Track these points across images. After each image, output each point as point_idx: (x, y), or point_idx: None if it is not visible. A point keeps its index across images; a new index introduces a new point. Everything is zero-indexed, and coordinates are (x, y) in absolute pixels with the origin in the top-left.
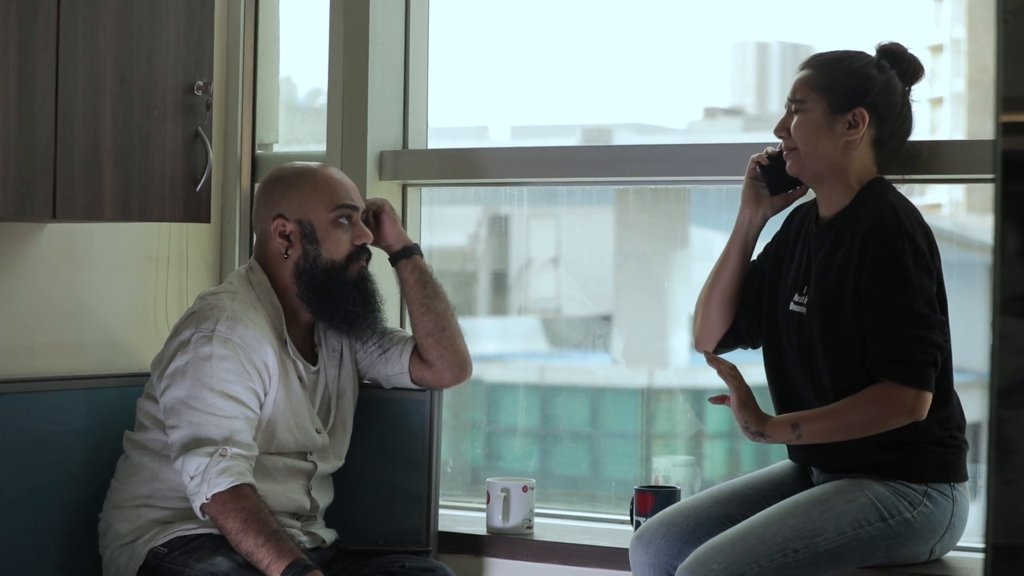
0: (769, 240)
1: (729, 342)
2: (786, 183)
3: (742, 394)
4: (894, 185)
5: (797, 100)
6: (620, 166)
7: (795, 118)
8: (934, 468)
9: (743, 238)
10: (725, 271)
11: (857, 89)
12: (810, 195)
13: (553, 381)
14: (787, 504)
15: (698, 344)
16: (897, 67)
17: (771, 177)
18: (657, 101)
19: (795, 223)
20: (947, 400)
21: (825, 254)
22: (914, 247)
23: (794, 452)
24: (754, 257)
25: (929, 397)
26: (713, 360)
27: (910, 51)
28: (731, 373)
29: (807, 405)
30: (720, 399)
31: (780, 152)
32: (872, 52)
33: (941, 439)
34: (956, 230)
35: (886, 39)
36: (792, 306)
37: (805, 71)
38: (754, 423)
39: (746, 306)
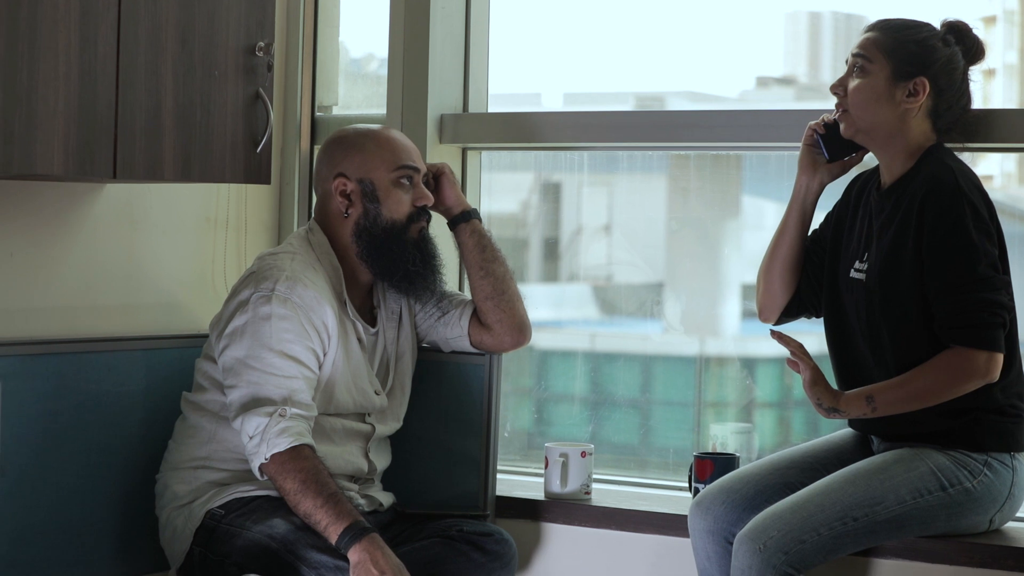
0: (830, 209)
1: (792, 311)
2: (843, 150)
3: (813, 372)
4: (954, 152)
5: (861, 57)
6: (678, 131)
7: (855, 81)
8: (995, 437)
9: (801, 205)
10: (785, 239)
11: (922, 58)
12: (869, 162)
13: (605, 348)
14: (847, 472)
15: (761, 313)
16: (961, 44)
17: (828, 144)
18: (710, 69)
19: (855, 190)
20: (1011, 366)
21: (884, 220)
22: (973, 210)
23: (854, 420)
24: (816, 226)
25: (1000, 359)
26: (782, 339)
27: (975, 31)
28: (800, 352)
29: (867, 371)
30: (795, 365)
31: (837, 113)
32: (937, 26)
33: (1002, 407)
34: (1008, 201)
35: (951, 16)
36: (853, 273)
37: (872, 33)
38: (827, 399)
39: (808, 274)
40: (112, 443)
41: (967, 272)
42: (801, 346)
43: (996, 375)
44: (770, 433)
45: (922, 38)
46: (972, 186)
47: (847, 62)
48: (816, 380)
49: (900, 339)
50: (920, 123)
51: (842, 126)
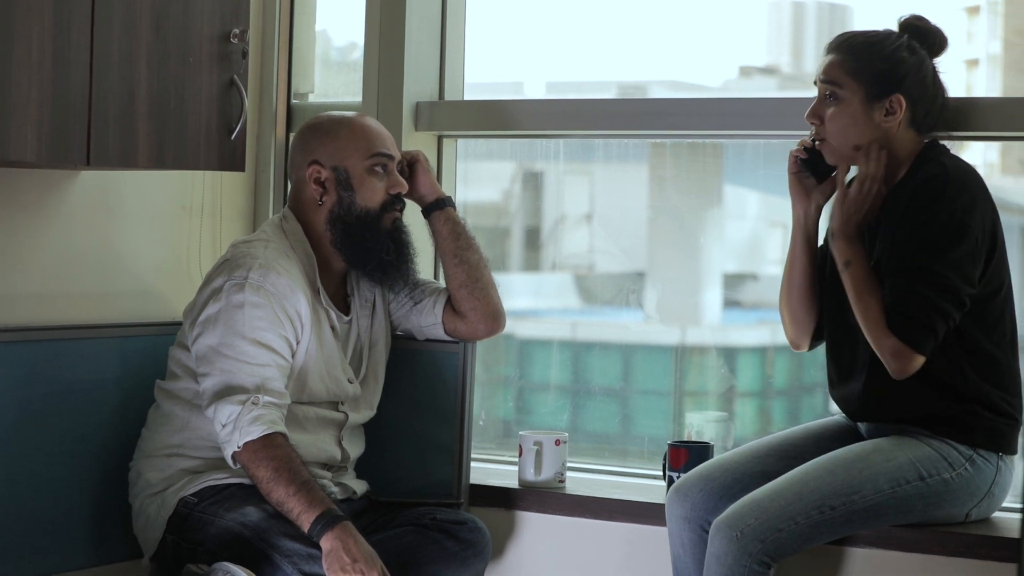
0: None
1: (821, 334)
2: (830, 167)
3: (857, 190)
4: (947, 147)
5: (831, 84)
6: (657, 119)
7: (830, 109)
8: (986, 434)
9: (804, 233)
10: (796, 269)
11: (892, 75)
12: None
13: (585, 337)
14: (825, 461)
15: (793, 344)
16: (924, 44)
17: (814, 166)
18: (692, 58)
19: None
20: (1009, 370)
21: (885, 228)
22: (951, 208)
23: (847, 406)
24: (821, 242)
25: (920, 361)
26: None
27: (932, 23)
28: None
29: (851, 367)
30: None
31: (815, 140)
32: (894, 28)
33: (999, 407)
34: (991, 191)
35: (907, 12)
36: None
37: (835, 55)
38: (841, 220)
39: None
40: (86, 431)
41: (921, 264)
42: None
43: (905, 374)
44: (751, 422)
45: (888, 53)
46: (968, 182)
47: (818, 88)
48: (845, 203)
49: None
50: (904, 134)
51: (825, 155)
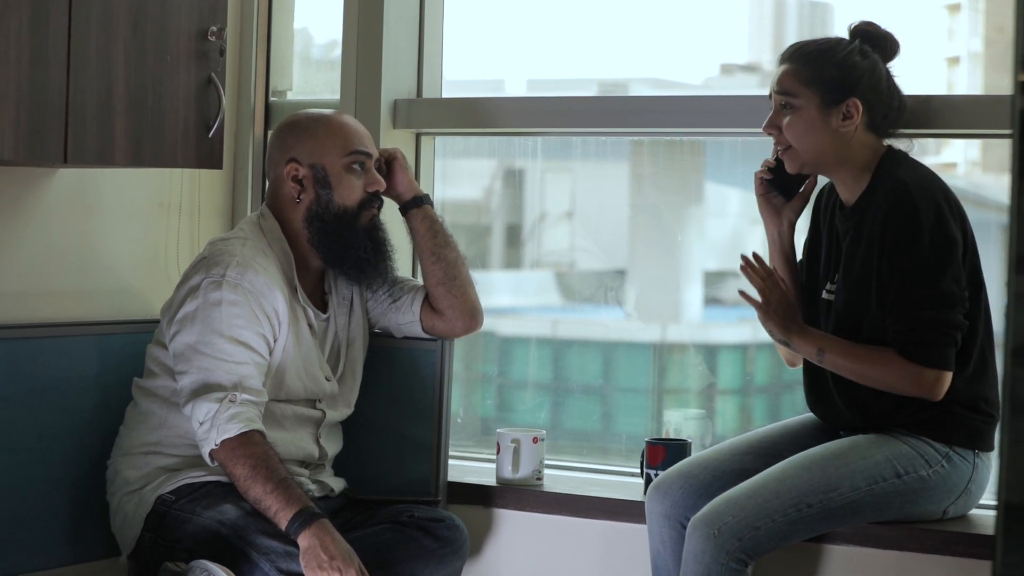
0: (807, 234)
1: None
2: (797, 183)
3: (766, 307)
4: (907, 153)
5: (786, 95)
6: (636, 117)
7: (786, 117)
8: (962, 432)
9: (780, 252)
10: None
11: (846, 80)
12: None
13: (566, 335)
14: (803, 458)
15: (790, 363)
16: (877, 48)
17: (780, 185)
18: (674, 56)
19: (821, 208)
20: (986, 366)
21: (851, 242)
22: (931, 225)
23: (824, 413)
24: (800, 257)
25: (949, 377)
26: (746, 266)
27: (883, 28)
28: (762, 279)
29: (831, 392)
30: (751, 298)
31: (778, 158)
32: (846, 35)
33: (975, 404)
34: (971, 189)
35: (857, 19)
36: (824, 294)
37: (789, 65)
38: (778, 331)
39: None
40: (64, 429)
41: (922, 289)
42: (769, 275)
43: (941, 393)
44: (731, 419)
45: (840, 59)
46: (933, 193)
47: (773, 100)
48: (769, 315)
49: None
50: (862, 138)
51: (787, 164)
